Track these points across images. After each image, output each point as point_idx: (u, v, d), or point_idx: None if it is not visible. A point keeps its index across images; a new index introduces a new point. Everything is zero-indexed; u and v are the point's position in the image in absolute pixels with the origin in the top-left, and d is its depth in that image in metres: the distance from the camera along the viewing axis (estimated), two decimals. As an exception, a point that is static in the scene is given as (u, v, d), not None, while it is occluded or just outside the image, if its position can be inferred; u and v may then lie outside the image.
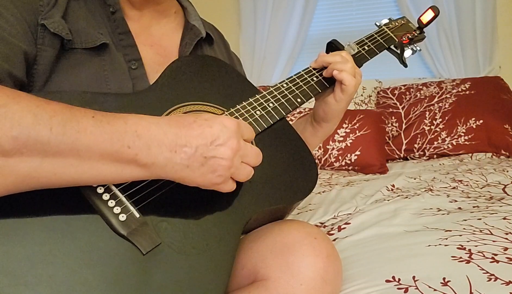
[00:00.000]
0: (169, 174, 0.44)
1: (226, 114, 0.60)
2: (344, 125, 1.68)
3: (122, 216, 0.45)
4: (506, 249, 0.66)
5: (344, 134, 1.66)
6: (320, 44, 2.31)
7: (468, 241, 0.70)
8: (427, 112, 1.76)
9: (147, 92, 0.58)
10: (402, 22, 0.87)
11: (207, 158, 0.44)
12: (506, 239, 0.70)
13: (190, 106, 0.59)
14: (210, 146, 0.44)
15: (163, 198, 0.49)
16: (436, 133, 1.70)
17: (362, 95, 1.96)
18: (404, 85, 1.95)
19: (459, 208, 0.91)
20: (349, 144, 1.63)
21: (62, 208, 0.44)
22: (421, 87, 1.89)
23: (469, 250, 0.67)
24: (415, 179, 1.29)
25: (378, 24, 0.86)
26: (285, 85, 0.68)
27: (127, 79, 0.60)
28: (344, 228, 0.88)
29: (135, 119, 0.43)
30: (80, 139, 0.40)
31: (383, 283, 0.62)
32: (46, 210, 0.43)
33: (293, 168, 0.61)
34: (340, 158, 1.63)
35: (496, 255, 0.64)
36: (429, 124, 1.73)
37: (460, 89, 1.80)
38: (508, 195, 0.99)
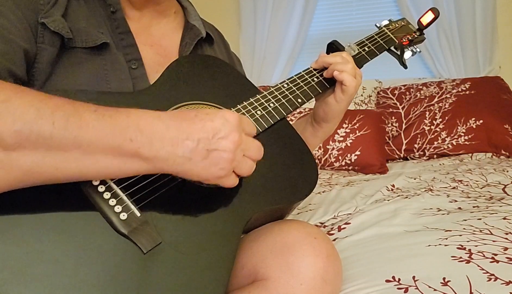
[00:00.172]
0: (172, 167, 0.44)
1: None
2: (344, 125, 1.68)
3: (123, 215, 0.45)
4: (506, 249, 0.66)
5: (344, 134, 1.66)
6: (320, 44, 2.31)
7: (468, 241, 0.70)
8: (427, 112, 1.76)
9: (148, 91, 0.58)
10: (402, 23, 0.87)
11: (209, 151, 0.44)
12: (506, 239, 0.70)
13: (190, 106, 0.59)
14: (212, 139, 0.44)
15: (164, 197, 0.49)
16: (436, 133, 1.70)
17: (362, 95, 1.96)
18: (404, 85, 1.95)
19: (459, 208, 0.91)
20: (349, 145, 1.63)
21: (62, 206, 0.44)
22: (421, 87, 1.89)
23: (469, 250, 0.67)
24: (415, 179, 1.29)
25: (378, 25, 0.86)
26: (285, 85, 0.68)
27: (128, 79, 0.60)
28: (344, 228, 0.88)
29: (137, 113, 0.43)
30: (82, 134, 0.40)
31: (383, 283, 0.62)
32: (46, 208, 0.43)
33: (293, 168, 0.61)
34: (340, 158, 1.63)
35: (496, 255, 0.64)
36: (429, 124, 1.73)
37: (460, 89, 1.80)
38: (508, 195, 0.99)
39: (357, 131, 1.65)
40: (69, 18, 0.58)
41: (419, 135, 1.72)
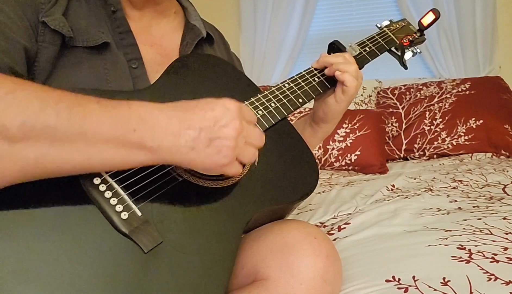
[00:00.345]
0: (176, 157, 0.44)
1: None
2: (344, 125, 1.68)
3: (124, 214, 0.45)
4: (506, 249, 0.66)
5: (344, 134, 1.66)
6: (320, 44, 2.30)
7: (468, 241, 0.70)
8: (427, 112, 1.76)
9: (149, 90, 0.58)
10: (403, 24, 0.87)
11: (211, 139, 0.45)
12: (506, 239, 0.70)
13: None
14: (213, 127, 0.45)
15: (164, 196, 0.49)
16: (436, 133, 1.70)
17: (362, 95, 1.96)
18: (404, 85, 1.95)
19: (459, 208, 0.91)
20: (349, 144, 1.63)
21: (63, 204, 0.44)
22: (421, 87, 1.89)
23: (469, 250, 0.67)
24: (415, 179, 1.29)
25: (379, 25, 0.86)
26: (286, 85, 0.68)
27: (128, 78, 0.60)
28: (344, 228, 0.88)
29: (139, 105, 0.44)
30: (86, 124, 0.40)
31: (383, 283, 0.62)
32: (46, 207, 0.43)
33: (294, 168, 0.61)
34: (340, 158, 1.63)
35: (496, 255, 0.64)
36: (429, 124, 1.73)
37: (460, 89, 1.80)
38: (508, 195, 0.99)
39: (357, 131, 1.65)
40: (69, 17, 0.58)
41: (419, 135, 1.72)
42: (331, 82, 0.71)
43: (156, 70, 0.64)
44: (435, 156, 1.68)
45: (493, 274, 0.59)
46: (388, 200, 1.05)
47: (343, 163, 1.63)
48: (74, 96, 0.41)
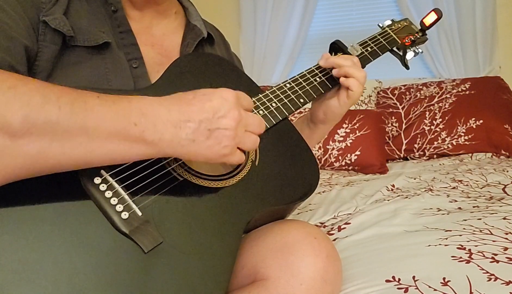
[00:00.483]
0: (177, 150, 0.45)
1: None
2: (344, 125, 1.68)
3: (124, 214, 0.45)
4: (506, 249, 0.66)
5: (344, 134, 1.66)
6: (320, 44, 2.31)
7: (468, 241, 0.70)
8: (427, 112, 1.76)
9: (150, 89, 0.58)
10: (405, 23, 0.87)
11: (211, 130, 0.45)
12: (506, 239, 0.70)
13: None
14: (212, 119, 0.45)
15: (165, 196, 0.50)
16: (436, 133, 1.70)
17: (362, 95, 1.96)
18: (404, 85, 1.95)
19: (459, 208, 0.91)
20: (349, 145, 1.63)
21: (63, 204, 0.44)
22: (421, 87, 1.89)
23: (469, 250, 0.67)
24: (415, 179, 1.29)
25: (380, 25, 0.86)
26: (288, 85, 0.68)
27: (129, 78, 0.60)
28: (344, 228, 0.88)
29: (138, 99, 0.44)
30: (88, 118, 0.40)
31: (383, 283, 0.62)
32: (46, 207, 0.43)
33: (294, 168, 0.61)
34: (340, 158, 1.63)
35: (496, 255, 0.64)
36: (429, 124, 1.73)
37: (460, 89, 1.80)
38: (508, 195, 0.99)
39: (357, 131, 1.65)
40: (70, 17, 0.58)
41: (419, 135, 1.72)
42: (332, 82, 0.71)
43: (156, 70, 0.64)
44: (435, 156, 1.68)
45: (493, 274, 0.59)
46: (388, 200, 1.05)
47: (343, 163, 1.63)
48: (75, 92, 0.41)
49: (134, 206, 0.47)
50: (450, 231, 0.76)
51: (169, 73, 0.61)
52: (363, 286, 0.62)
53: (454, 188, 1.12)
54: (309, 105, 0.74)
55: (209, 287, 0.46)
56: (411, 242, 0.74)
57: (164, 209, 0.49)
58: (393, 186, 1.22)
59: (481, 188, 1.09)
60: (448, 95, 1.79)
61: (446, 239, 0.72)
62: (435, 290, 0.57)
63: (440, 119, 1.72)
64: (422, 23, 0.85)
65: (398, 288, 0.60)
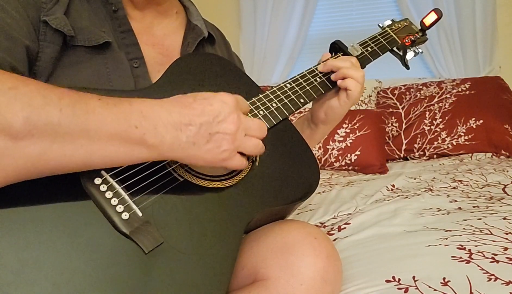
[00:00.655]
0: (177, 153, 0.45)
1: None
2: (344, 125, 1.68)
3: (125, 215, 0.45)
4: (506, 249, 0.66)
5: (344, 134, 1.66)
6: (320, 44, 2.31)
7: (468, 241, 0.70)
8: (427, 112, 1.76)
9: (151, 88, 0.58)
10: (405, 24, 0.87)
11: (211, 134, 0.46)
12: (506, 239, 0.70)
13: None
14: (212, 122, 0.46)
15: (165, 197, 0.50)
16: (436, 133, 1.70)
17: (362, 95, 1.96)
18: (404, 85, 1.95)
19: (459, 208, 0.92)
20: (349, 144, 1.63)
21: (63, 205, 0.44)
22: (421, 87, 1.89)
23: (469, 250, 0.67)
24: (415, 179, 1.29)
25: (381, 25, 0.86)
26: (288, 85, 0.68)
27: (129, 78, 0.60)
28: (344, 228, 0.88)
29: (139, 101, 0.44)
30: (89, 120, 0.40)
31: (383, 283, 0.62)
32: (46, 208, 0.43)
33: (295, 168, 0.61)
34: (340, 158, 1.64)
35: (496, 255, 0.64)
36: (429, 124, 1.73)
37: (460, 89, 1.80)
38: (508, 195, 0.99)
39: (357, 131, 1.65)
40: (71, 17, 0.58)
41: (419, 135, 1.73)
42: (333, 83, 0.71)
43: (157, 70, 0.64)
44: (435, 156, 1.69)
45: (493, 274, 0.59)
46: (388, 200, 1.05)
47: (343, 163, 1.63)
48: (76, 93, 0.41)
49: (134, 206, 0.47)
50: (450, 231, 0.76)
51: (170, 73, 0.61)
52: (363, 286, 0.62)
53: (454, 188, 1.12)
54: (309, 105, 0.74)
55: (210, 288, 0.46)
56: (411, 242, 0.74)
57: (165, 209, 0.49)
58: (393, 186, 1.22)
59: (481, 188, 1.09)
60: (448, 95, 1.79)
61: (446, 239, 0.72)
62: (435, 290, 0.57)
63: (440, 119, 1.72)
64: (422, 23, 0.85)
65: (398, 288, 0.60)
